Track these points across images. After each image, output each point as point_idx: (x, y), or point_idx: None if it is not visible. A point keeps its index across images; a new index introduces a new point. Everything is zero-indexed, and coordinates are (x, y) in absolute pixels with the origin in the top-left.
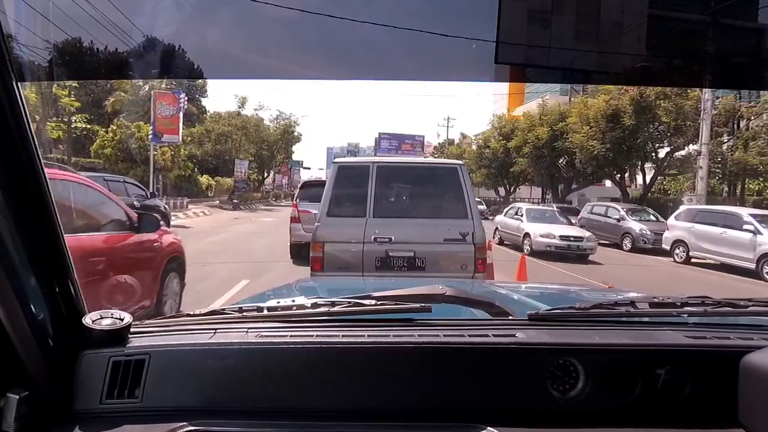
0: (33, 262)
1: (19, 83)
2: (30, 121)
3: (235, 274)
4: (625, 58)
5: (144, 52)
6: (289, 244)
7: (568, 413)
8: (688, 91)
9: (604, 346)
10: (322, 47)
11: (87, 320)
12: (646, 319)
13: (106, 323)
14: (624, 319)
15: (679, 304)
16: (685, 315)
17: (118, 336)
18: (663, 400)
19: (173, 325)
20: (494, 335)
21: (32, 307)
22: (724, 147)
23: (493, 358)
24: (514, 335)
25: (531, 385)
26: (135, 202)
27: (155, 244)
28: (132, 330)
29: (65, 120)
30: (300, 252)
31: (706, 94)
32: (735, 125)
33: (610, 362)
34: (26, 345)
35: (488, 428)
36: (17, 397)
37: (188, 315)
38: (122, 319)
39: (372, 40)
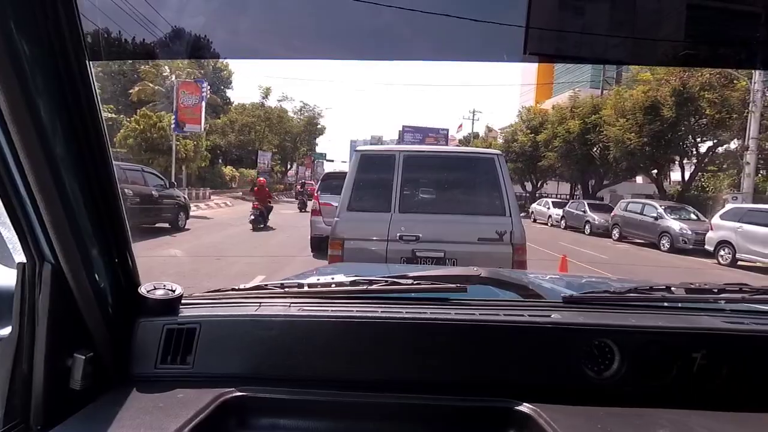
0: (98, 236)
1: (90, 62)
2: (100, 101)
3: (250, 270)
4: (663, 45)
5: (170, 36)
6: (309, 237)
7: (602, 393)
8: (735, 81)
9: (640, 329)
10: (345, 29)
11: (142, 290)
12: (683, 305)
13: (159, 294)
14: (659, 303)
15: (716, 290)
16: (722, 301)
17: (171, 306)
18: (699, 384)
19: (220, 298)
20: (529, 315)
21: (96, 276)
22: None
23: (528, 337)
24: (549, 316)
25: (565, 365)
26: (154, 192)
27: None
28: (183, 301)
29: None
30: (320, 245)
31: (756, 84)
32: None
33: (646, 344)
34: (90, 311)
35: (523, 403)
36: (83, 357)
37: (233, 289)
38: (174, 291)
39: (396, 23)
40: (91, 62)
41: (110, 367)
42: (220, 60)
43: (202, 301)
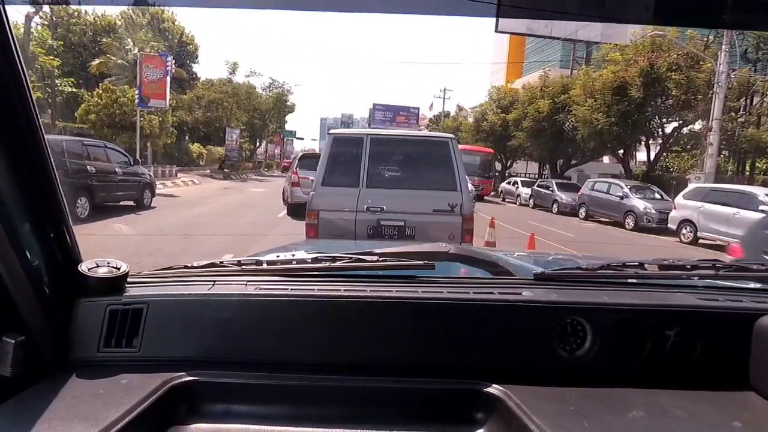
0: (27, 209)
1: (5, 5)
2: (20, 53)
3: (219, 248)
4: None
5: None
6: (288, 203)
7: (574, 372)
8: (701, 62)
9: (613, 306)
10: None
11: (83, 268)
12: (656, 281)
13: (102, 271)
14: (633, 280)
15: (689, 266)
16: (696, 278)
17: (115, 285)
18: (672, 362)
19: (171, 276)
20: (499, 293)
21: (27, 253)
22: (735, 123)
23: (499, 316)
24: (520, 293)
25: (537, 344)
26: (117, 169)
27: None
28: (129, 280)
29: (47, 82)
30: (296, 210)
31: (721, 66)
32: (749, 100)
33: (619, 322)
34: (22, 291)
35: (493, 385)
36: (13, 341)
37: (186, 267)
38: (119, 268)
39: None
40: (5, 5)
41: (47, 352)
42: (175, 16)
43: (150, 279)
